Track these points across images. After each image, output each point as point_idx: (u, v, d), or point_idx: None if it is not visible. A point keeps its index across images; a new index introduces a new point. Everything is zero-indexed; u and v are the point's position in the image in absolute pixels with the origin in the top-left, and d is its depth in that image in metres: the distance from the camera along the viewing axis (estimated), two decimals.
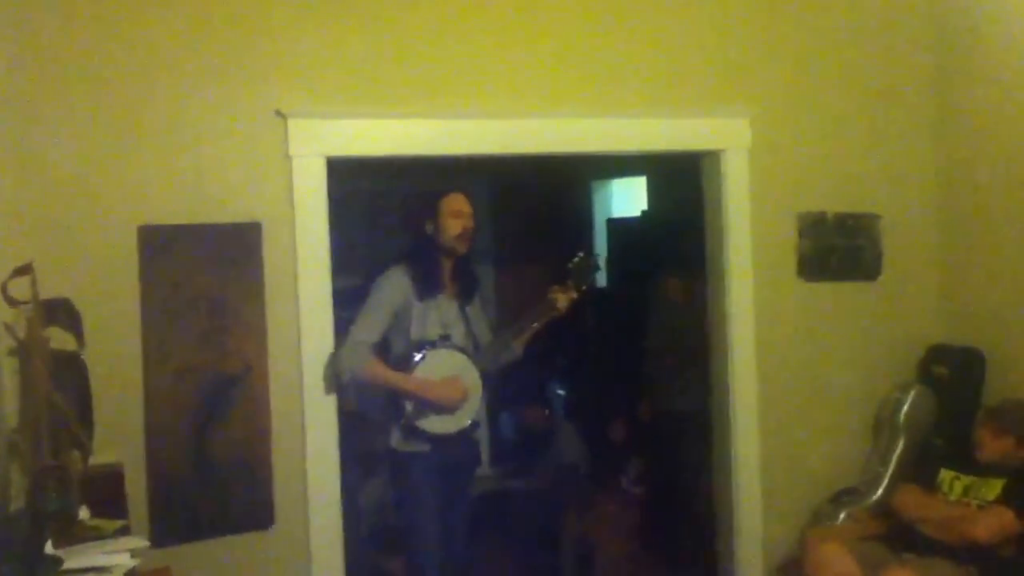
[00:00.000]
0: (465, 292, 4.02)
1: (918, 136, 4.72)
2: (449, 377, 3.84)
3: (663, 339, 5.54)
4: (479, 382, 3.93)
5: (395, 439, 3.89)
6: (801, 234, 4.57)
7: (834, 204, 4.61)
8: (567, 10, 4.22)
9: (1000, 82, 4.36)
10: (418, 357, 3.81)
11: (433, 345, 3.86)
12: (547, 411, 6.12)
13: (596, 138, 4.32)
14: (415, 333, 3.86)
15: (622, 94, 4.30)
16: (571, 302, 3.97)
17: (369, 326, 3.82)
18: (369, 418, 4.18)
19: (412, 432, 3.84)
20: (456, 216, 3.90)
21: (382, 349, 3.88)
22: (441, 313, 3.92)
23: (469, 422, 3.92)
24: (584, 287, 4.05)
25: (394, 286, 3.87)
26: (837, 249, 4.63)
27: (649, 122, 4.37)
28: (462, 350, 3.92)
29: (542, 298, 3.99)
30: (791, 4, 4.54)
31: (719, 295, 4.56)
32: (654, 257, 6.38)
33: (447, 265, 3.95)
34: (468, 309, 4.01)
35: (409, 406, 3.81)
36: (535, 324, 4.01)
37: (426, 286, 3.88)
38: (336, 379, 3.86)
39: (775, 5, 4.52)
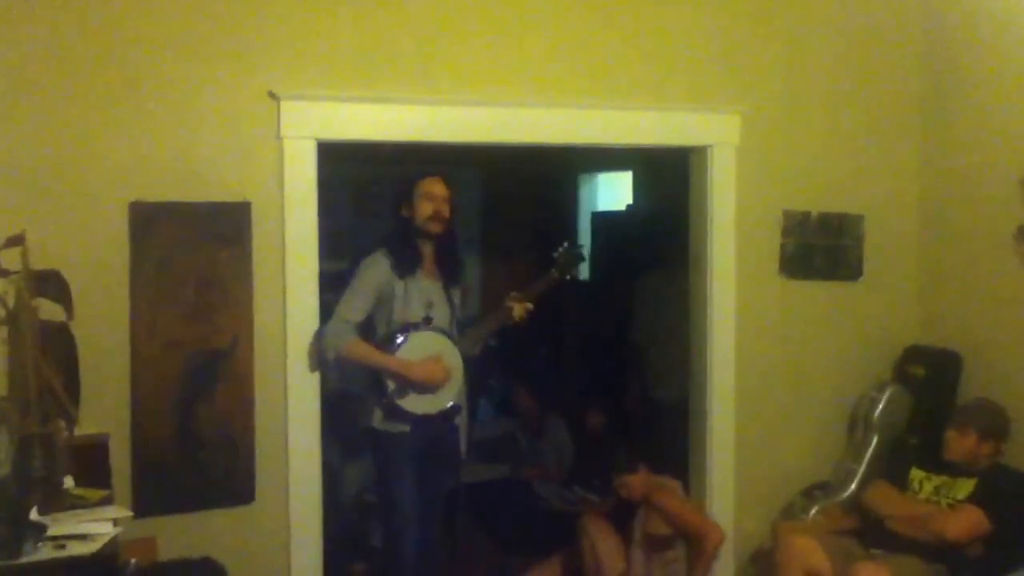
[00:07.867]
0: (449, 274, 4.06)
1: (903, 140, 4.78)
2: (431, 356, 3.89)
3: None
4: (461, 364, 3.98)
5: (376, 419, 3.93)
6: (785, 232, 4.62)
7: (818, 204, 4.66)
8: (561, 1, 4.24)
9: (985, 87, 4.42)
10: (400, 339, 3.86)
11: (416, 327, 3.90)
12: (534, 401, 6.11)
13: (586, 130, 4.34)
14: (398, 315, 3.90)
15: (614, 87, 4.33)
16: (526, 312, 4.06)
17: (353, 306, 3.86)
18: (352, 396, 4.22)
19: (393, 412, 3.88)
20: (429, 199, 3.94)
21: (366, 331, 3.93)
22: (424, 295, 3.96)
23: (451, 403, 3.97)
24: (568, 276, 4.17)
25: (376, 268, 3.91)
26: (820, 248, 4.67)
27: (639, 116, 4.39)
28: (444, 332, 3.97)
29: (499, 304, 4.09)
30: (784, 3, 4.58)
31: (701, 290, 4.59)
32: (638, 251, 6.44)
33: (427, 248, 3.99)
34: (452, 293, 4.06)
35: (391, 385, 3.86)
36: (491, 328, 4.14)
37: (404, 265, 3.92)
38: (320, 357, 3.90)
39: (769, 3, 4.56)
